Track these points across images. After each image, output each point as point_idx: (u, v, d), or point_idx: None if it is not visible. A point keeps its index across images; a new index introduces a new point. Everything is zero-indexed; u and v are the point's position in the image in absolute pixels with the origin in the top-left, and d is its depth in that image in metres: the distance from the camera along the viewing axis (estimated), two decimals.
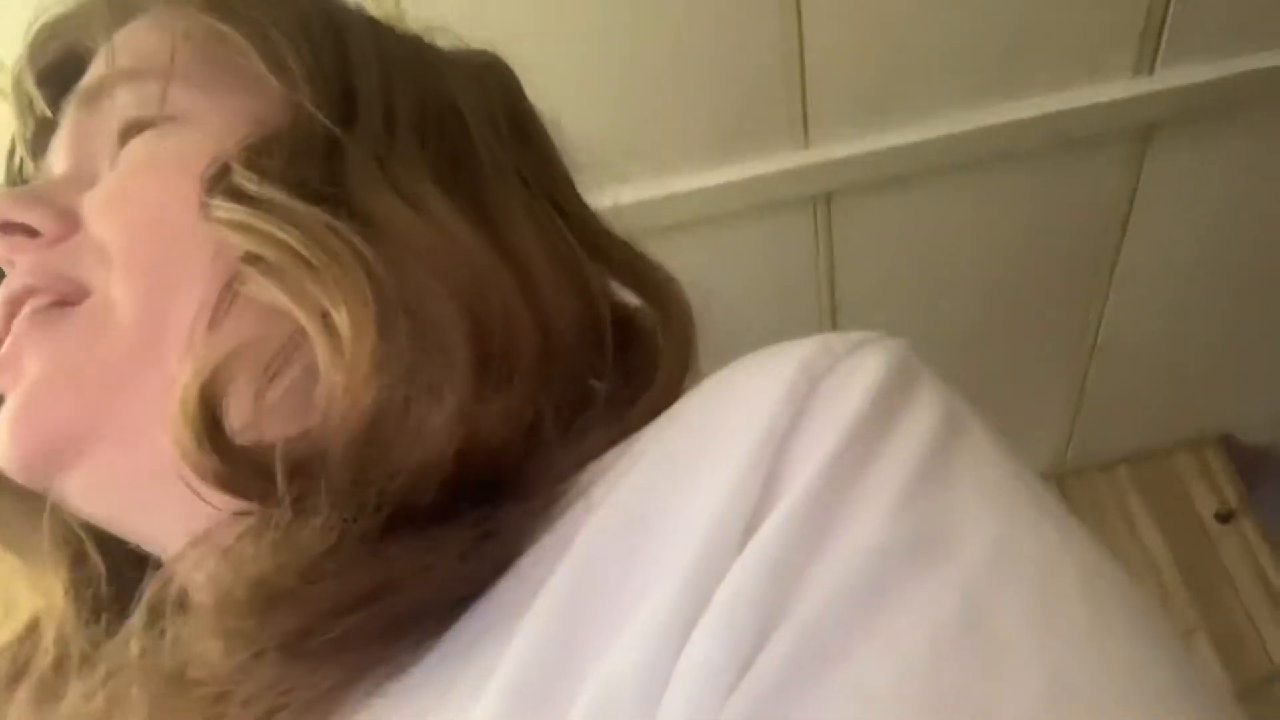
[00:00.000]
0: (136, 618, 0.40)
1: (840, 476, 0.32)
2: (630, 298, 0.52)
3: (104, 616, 0.48)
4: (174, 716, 0.36)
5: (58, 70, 0.53)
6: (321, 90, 0.46)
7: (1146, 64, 1.28)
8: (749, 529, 0.32)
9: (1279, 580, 1.83)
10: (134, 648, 0.40)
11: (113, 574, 0.50)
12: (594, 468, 0.41)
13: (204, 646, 0.36)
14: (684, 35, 1.17)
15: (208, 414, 0.39)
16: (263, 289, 0.42)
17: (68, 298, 0.45)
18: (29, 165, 0.54)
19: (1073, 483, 2.05)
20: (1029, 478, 0.34)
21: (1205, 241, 1.52)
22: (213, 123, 0.47)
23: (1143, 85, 1.29)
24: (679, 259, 1.20)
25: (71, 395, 0.44)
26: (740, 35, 1.17)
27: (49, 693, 0.47)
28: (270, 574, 0.36)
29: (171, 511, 0.42)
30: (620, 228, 0.53)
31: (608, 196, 1.18)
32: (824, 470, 0.32)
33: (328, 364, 0.40)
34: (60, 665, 0.48)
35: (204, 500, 0.38)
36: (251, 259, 0.42)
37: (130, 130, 0.48)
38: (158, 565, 0.48)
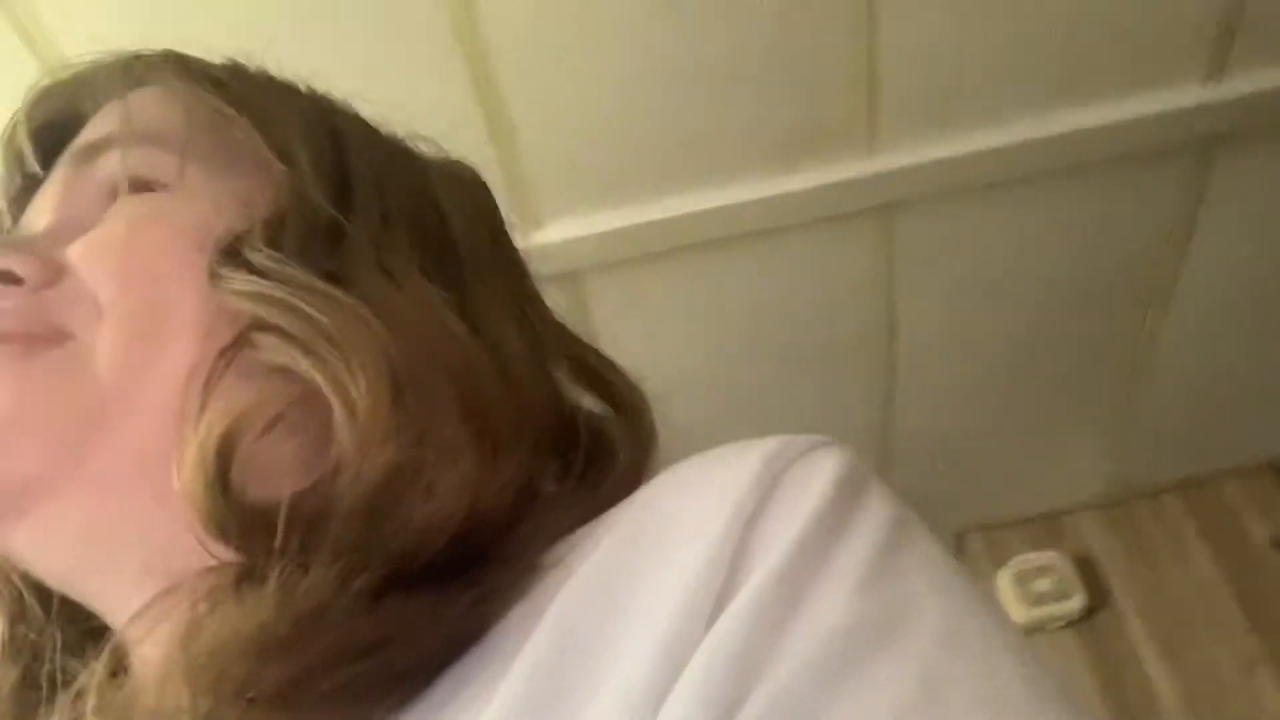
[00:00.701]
0: (93, 671, 0.41)
1: (806, 559, 0.35)
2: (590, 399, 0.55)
3: (40, 676, 0.49)
4: None
5: (52, 129, 0.54)
6: (322, 178, 0.49)
7: (1215, 71, 1.25)
8: (719, 602, 0.34)
9: None
10: (89, 702, 0.40)
11: (53, 630, 0.50)
12: (564, 542, 0.43)
13: (175, 697, 0.37)
14: (748, 38, 1.15)
15: (223, 467, 0.40)
16: (279, 354, 0.44)
17: (46, 341, 0.45)
18: (6, 221, 0.55)
19: (1120, 511, 2.00)
20: (964, 571, 0.38)
21: (1268, 262, 1.49)
22: (208, 196, 0.49)
23: (1210, 94, 1.26)
24: (736, 271, 1.15)
25: (35, 439, 0.44)
26: (810, 39, 1.15)
27: None
28: (270, 623, 0.37)
29: (129, 565, 0.43)
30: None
31: (663, 208, 1.13)
32: (791, 552, 0.35)
33: (344, 427, 0.41)
34: None
35: (207, 550, 0.40)
36: (265, 327, 0.44)
37: (128, 187, 0.49)
38: (98, 624, 0.48)
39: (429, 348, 0.45)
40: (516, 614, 0.40)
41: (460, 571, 0.41)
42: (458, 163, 0.58)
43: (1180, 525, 1.97)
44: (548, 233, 1.27)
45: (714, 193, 1.27)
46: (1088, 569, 1.93)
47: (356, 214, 0.49)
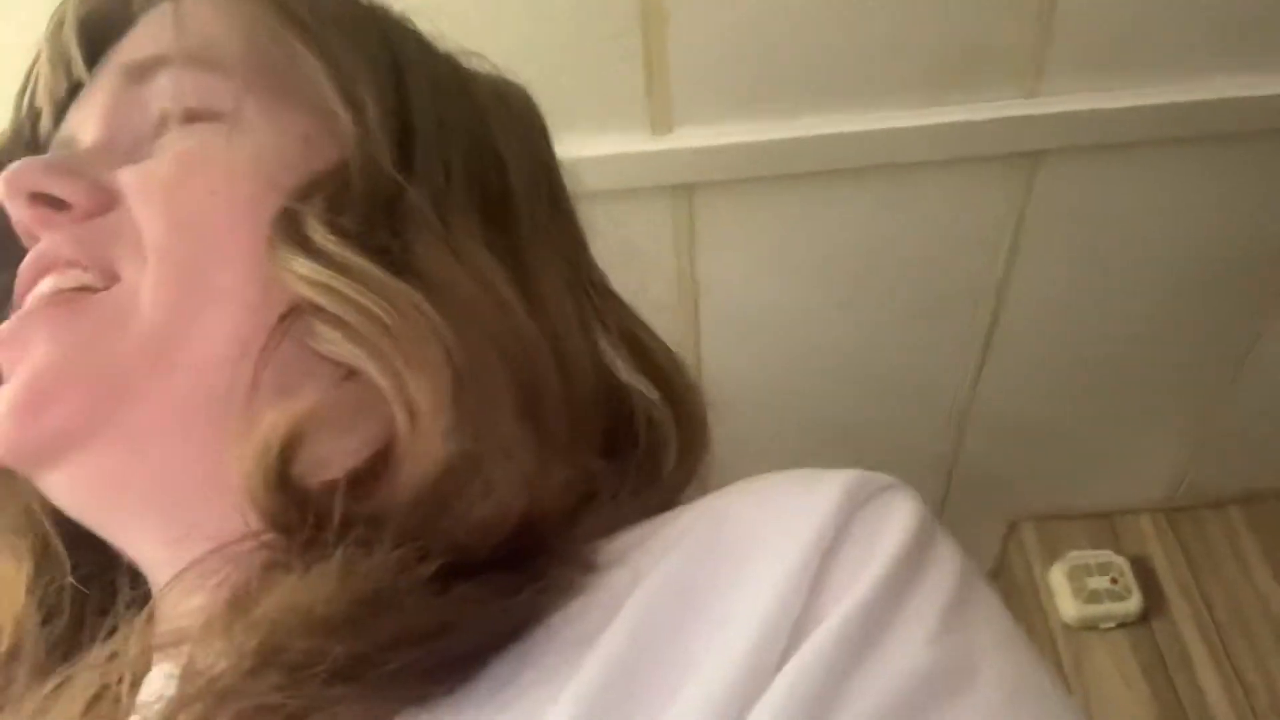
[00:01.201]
0: (132, 624, 0.41)
1: (887, 599, 0.36)
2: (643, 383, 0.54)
3: (64, 618, 0.48)
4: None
5: (99, 24, 0.51)
6: (387, 131, 0.47)
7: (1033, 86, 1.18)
8: (797, 628, 0.35)
9: None
10: (128, 652, 0.40)
11: (79, 574, 0.50)
12: (626, 536, 0.43)
13: (223, 660, 0.36)
14: None
15: (284, 467, 0.39)
16: (337, 346, 0.43)
17: (94, 282, 0.45)
18: (46, 123, 0.52)
19: (1181, 516, 1.96)
20: (1017, 624, 0.39)
21: (1092, 300, 1.45)
22: (265, 135, 0.46)
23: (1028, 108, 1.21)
24: (854, 205, 1.08)
25: (79, 388, 0.43)
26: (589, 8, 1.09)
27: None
28: (334, 599, 0.37)
29: (166, 521, 0.43)
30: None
31: (795, 128, 1.05)
32: (875, 591, 0.36)
33: (403, 427, 0.41)
34: (13, 657, 0.48)
35: (258, 535, 0.39)
36: (322, 314, 0.43)
37: (181, 118, 0.47)
38: (130, 569, 0.48)
39: (490, 337, 0.44)
40: (579, 606, 0.39)
41: (520, 564, 0.41)
42: (510, 85, 0.56)
43: (1241, 537, 1.93)
44: (676, 138, 1.19)
45: (852, 116, 1.19)
46: (1143, 571, 1.88)
47: (418, 170, 0.47)
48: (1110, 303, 1.46)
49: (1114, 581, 1.83)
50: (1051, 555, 1.93)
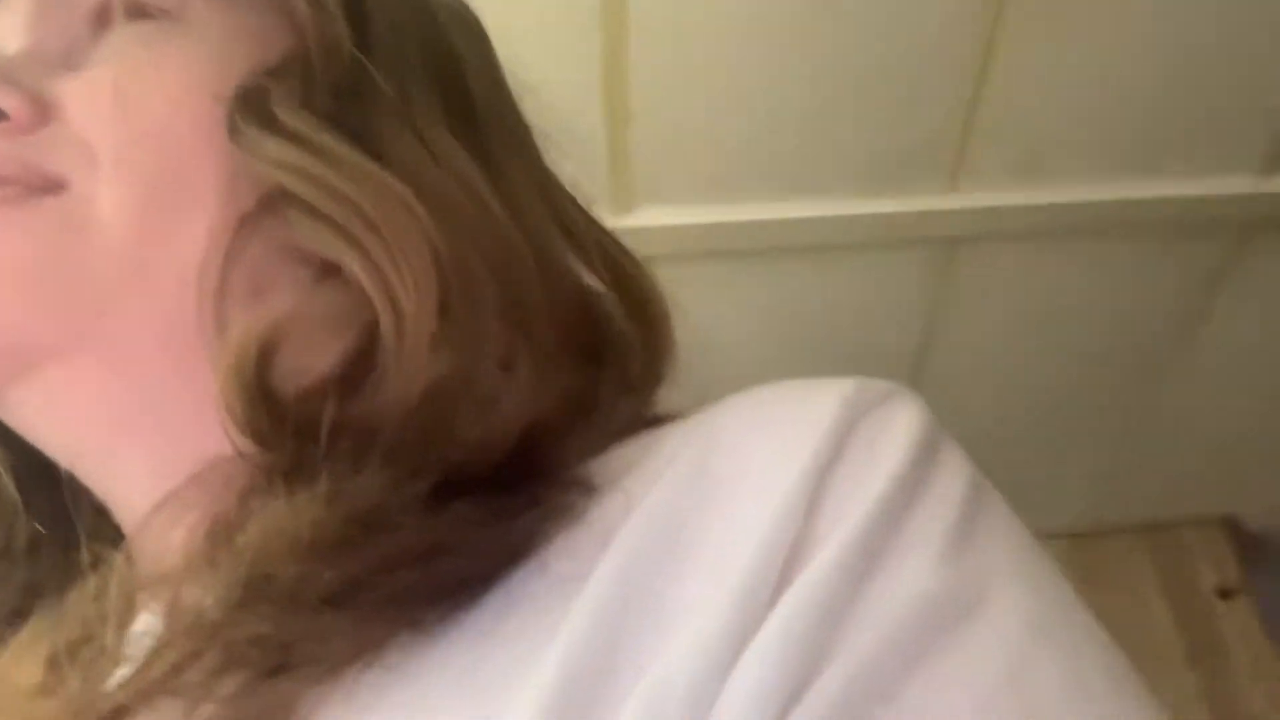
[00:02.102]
0: (110, 571, 0.38)
1: (887, 521, 0.33)
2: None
3: (19, 563, 0.46)
4: (184, 668, 0.34)
5: None
6: (345, 15, 0.43)
7: (1272, 166, 1.35)
8: (794, 556, 0.33)
9: (1274, 662, 1.92)
10: (110, 595, 0.38)
11: (34, 516, 0.48)
12: (616, 456, 0.41)
13: (209, 591, 0.35)
14: (867, 69, 1.22)
15: (261, 375, 0.37)
16: (313, 237, 0.40)
17: (39, 189, 0.40)
18: None
19: (1086, 542, 2.12)
20: (1037, 541, 0.37)
21: (1006, 357, 1.62)
22: (218, 31, 0.43)
23: (1258, 185, 1.36)
24: (796, 281, 1.21)
25: (32, 294, 0.39)
26: (926, 84, 1.22)
27: None
28: (323, 522, 0.35)
29: (145, 446, 0.40)
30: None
31: (748, 212, 1.17)
32: (872, 513, 0.33)
33: (389, 332, 0.38)
34: None
35: (240, 452, 0.37)
36: (296, 201, 0.39)
37: (119, 15, 0.43)
38: (92, 510, 0.46)
39: (473, 236, 0.41)
40: (575, 536, 0.37)
41: (518, 484, 0.39)
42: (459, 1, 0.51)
43: (1138, 564, 2.09)
44: (635, 218, 1.32)
45: (798, 204, 1.33)
46: None
47: (378, 59, 0.43)
48: (1022, 365, 1.62)
49: None
50: None
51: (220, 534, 0.36)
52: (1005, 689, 0.30)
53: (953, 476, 0.36)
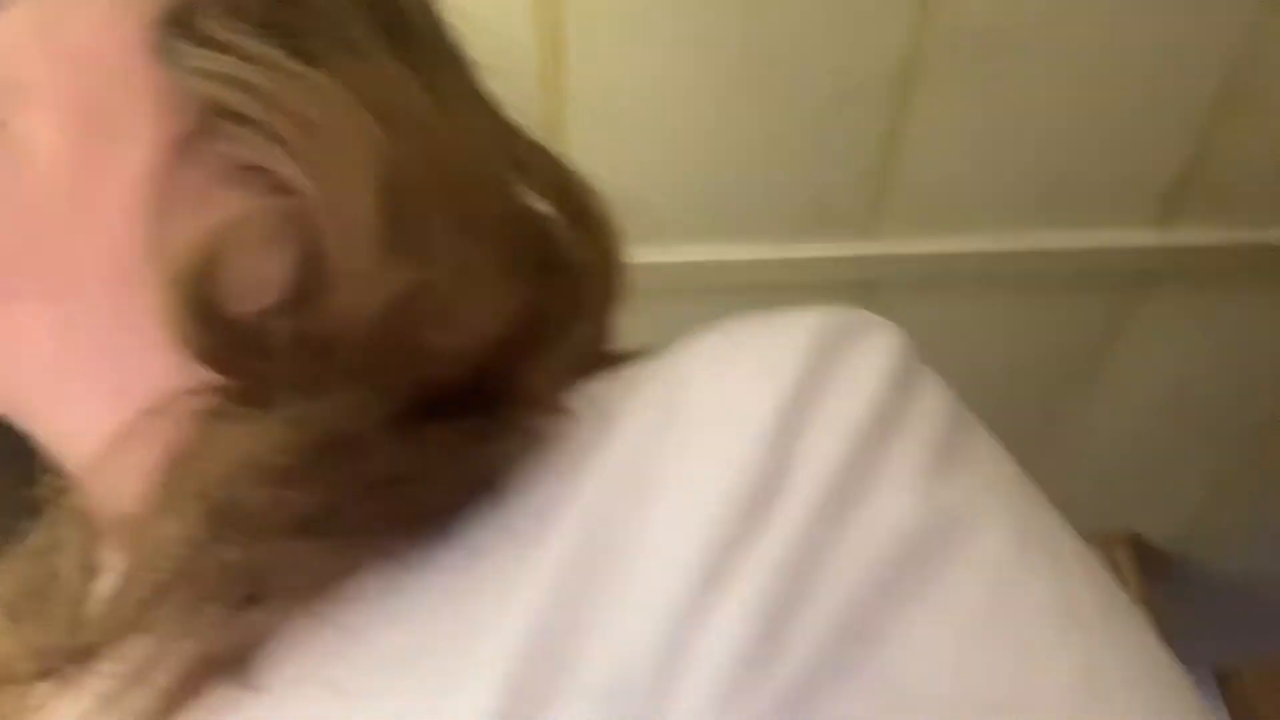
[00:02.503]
0: (60, 513, 0.37)
1: (863, 453, 0.32)
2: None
3: None
4: (154, 604, 0.33)
5: None
6: None
7: (1165, 218, 1.45)
8: (769, 496, 0.31)
9: None
10: (69, 538, 0.37)
11: None
12: (583, 392, 0.39)
13: (173, 524, 0.33)
14: (790, 121, 1.30)
15: (205, 291, 0.35)
16: (252, 149, 0.38)
17: None
18: None
19: None
20: (1021, 470, 0.35)
21: (1178, 387, 1.73)
22: None
23: (1154, 238, 1.46)
24: (713, 318, 1.30)
25: None
26: (843, 136, 1.30)
27: None
28: (287, 446, 0.34)
29: (97, 385, 0.39)
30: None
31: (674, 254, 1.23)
32: (847, 446, 0.32)
33: (338, 245, 0.37)
34: None
35: (194, 377, 0.35)
36: (231, 114, 0.38)
37: None
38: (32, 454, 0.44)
39: (418, 145, 0.39)
40: (546, 472, 0.36)
41: (491, 406, 0.38)
42: None
43: None
44: None
45: (723, 248, 1.42)
46: None
47: None
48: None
49: None
50: None
51: (180, 464, 0.35)
52: (988, 616, 0.29)
53: (931, 406, 0.34)
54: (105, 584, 0.35)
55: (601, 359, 0.44)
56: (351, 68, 0.39)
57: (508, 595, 0.32)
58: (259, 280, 0.37)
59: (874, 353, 0.35)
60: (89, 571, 0.37)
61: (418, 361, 0.36)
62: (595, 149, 1.29)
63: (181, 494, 0.34)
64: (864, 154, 1.31)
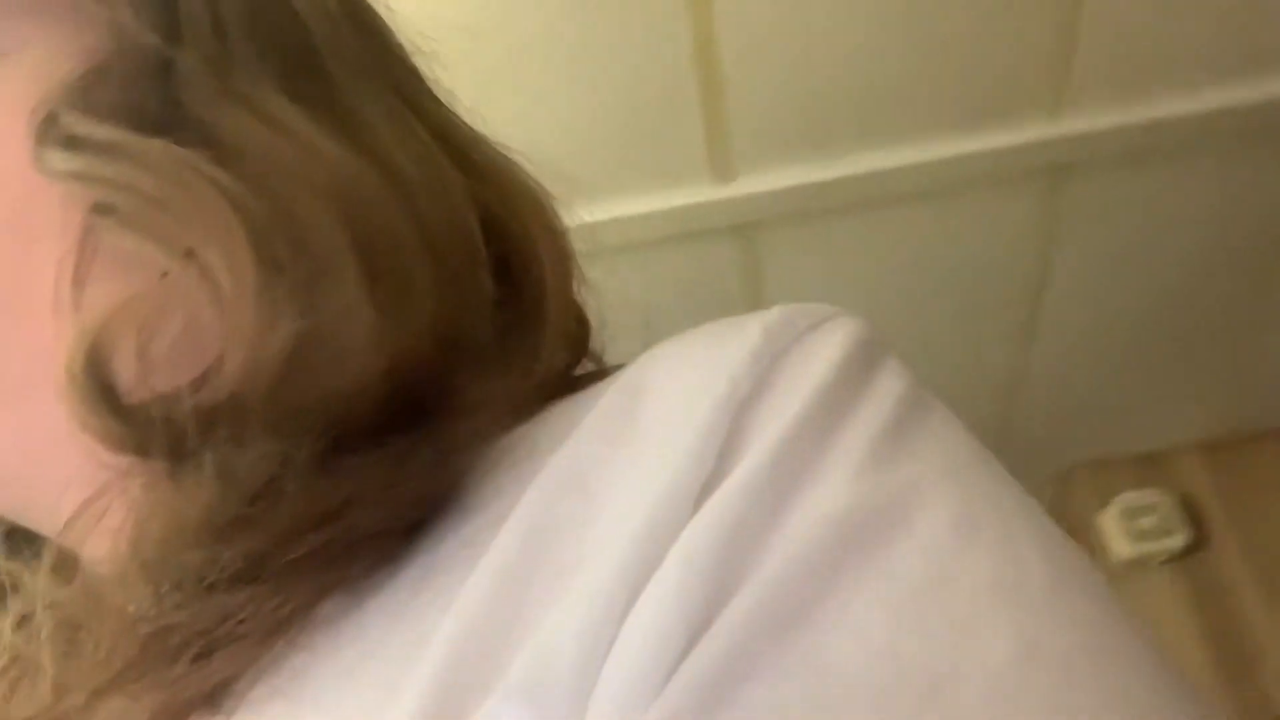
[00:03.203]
0: (37, 576, 0.39)
1: (803, 443, 0.32)
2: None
3: None
4: (111, 665, 0.34)
5: None
6: (140, 4, 0.40)
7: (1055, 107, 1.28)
8: (705, 491, 0.31)
9: None
10: (39, 604, 0.38)
11: None
12: (556, 412, 0.40)
13: (136, 595, 0.34)
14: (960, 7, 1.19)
15: (97, 378, 0.36)
16: (121, 239, 0.37)
17: None
18: None
19: (1223, 454, 2.01)
20: (987, 454, 0.34)
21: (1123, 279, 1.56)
22: (35, 57, 0.40)
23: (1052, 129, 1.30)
24: (907, 225, 1.33)
25: None
26: (1020, 9, 1.19)
27: None
28: (217, 503, 0.35)
29: (51, 475, 0.39)
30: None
31: (848, 165, 1.27)
32: (786, 435, 0.32)
33: (210, 308, 0.36)
34: None
35: (108, 465, 0.36)
36: (103, 209, 0.37)
37: None
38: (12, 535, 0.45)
39: (302, 182, 0.38)
40: (510, 481, 0.37)
41: (411, 427, 0.38)
42: None
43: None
44: (739, 186, 1.33)
45: (900, 151, 1.32)
46: (1189, 508, 1.97)
47: (187, 37, 0.40)
48: (1146, 274, 1.57)
49: (1162, 519, 1.95)
50: (1102, 499, 2.00)
51: (125, 537, 0.36)
52: (924, 595, 0.28)
53: (884, 393, 0.34)
54: (78, 653, 0.36)
55: (579, 377, 0.45)
56: (232, 124, 0.39)
57: (443, 614, 0.32)
58: (153, 360, 0.37)
59: (825, 346, 0.35)
60: (62, 642, 0.38)
61: (325, 404, 0.37)
62: (749, 51, 1.22)
63: (126, 565, 0.35)
64: (1047, 22, 1.21)
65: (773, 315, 0.36)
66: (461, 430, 0.39)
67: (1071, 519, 2.04)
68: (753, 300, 1.48)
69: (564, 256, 0.48)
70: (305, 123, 0.40)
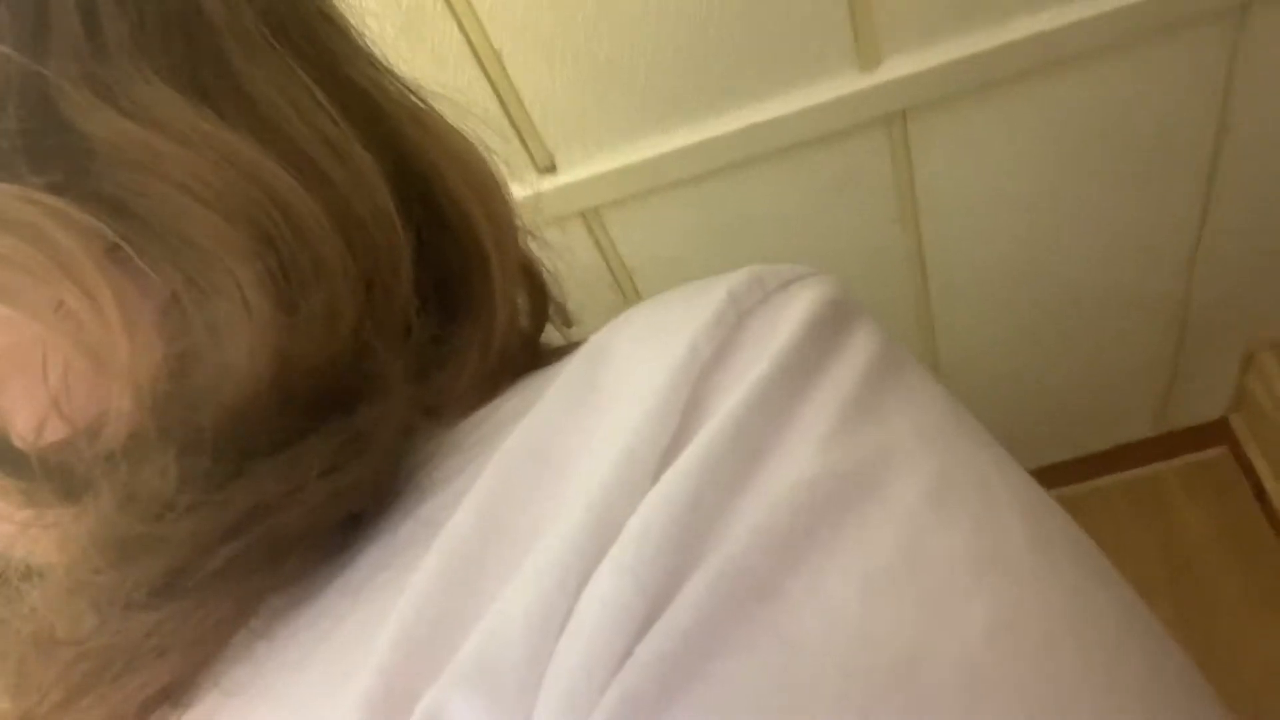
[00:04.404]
0: None
1: (768, 408, 0.31)
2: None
3: None
4: (43, 680, 0.34)
5: None
6: (12, 19, 0.37)
7: None
8: (665, 459, 0.30)
9: None
10: None
11: None
12: (519, 383, 0.40)
13: (66, 609, 0.34)
14: None
15: None
16: None
17: None
18: None
19: None
20: (965, 415, 0.33)
21: None
22: None
23: None
24: (1068, 89, 1.20)
25: None
26: None
27: None
28: (118, 523, 0.34)
29: None
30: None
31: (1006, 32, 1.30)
32: (750, 400, 0.31)
33: (85, 355, 0.35)
34: None
35: (11, 519, 0.35)
36: None
37: None
38: None
39: (188, 180, 0.35)
40: (470, 458, 0.36)
41: (320, 421, 0.37)
42: None
43: None
44: (885, 70, 1.24)
45: (1061, 8, 1.22)
46: None
47: (55, 48, 0.37)
48: (1009, 218, 1.45)
49: None
50: None
51: (46, 564, 0.36)
52: (896, 567, 0.27)
53: (854, 354, 0.33)
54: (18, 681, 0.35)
55: (551, 351, 0.45)
56: (94, 122, 0.36)
57: (406, 585, 0.31)
58: (39, 414, 0.35)
59: (792, 307, 0.34)
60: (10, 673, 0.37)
61: (217, 416, 0.35)
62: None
63: (48, 592, 0.35)
64: None
65: (739, 277, 0.35)
66: (374, 415, 0.37)
67: (1261, 402, 1.89)
68: (908, 193, 1.39)
69: (500, 214, 0.46)
70: (191, 112, 0.37)
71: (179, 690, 0.35)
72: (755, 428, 0.30)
